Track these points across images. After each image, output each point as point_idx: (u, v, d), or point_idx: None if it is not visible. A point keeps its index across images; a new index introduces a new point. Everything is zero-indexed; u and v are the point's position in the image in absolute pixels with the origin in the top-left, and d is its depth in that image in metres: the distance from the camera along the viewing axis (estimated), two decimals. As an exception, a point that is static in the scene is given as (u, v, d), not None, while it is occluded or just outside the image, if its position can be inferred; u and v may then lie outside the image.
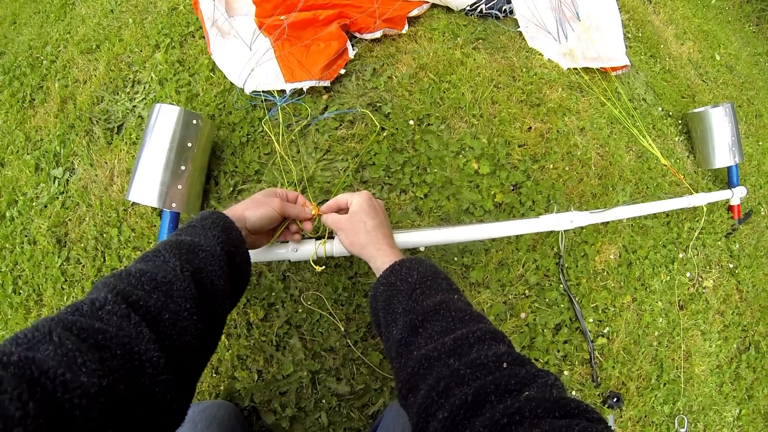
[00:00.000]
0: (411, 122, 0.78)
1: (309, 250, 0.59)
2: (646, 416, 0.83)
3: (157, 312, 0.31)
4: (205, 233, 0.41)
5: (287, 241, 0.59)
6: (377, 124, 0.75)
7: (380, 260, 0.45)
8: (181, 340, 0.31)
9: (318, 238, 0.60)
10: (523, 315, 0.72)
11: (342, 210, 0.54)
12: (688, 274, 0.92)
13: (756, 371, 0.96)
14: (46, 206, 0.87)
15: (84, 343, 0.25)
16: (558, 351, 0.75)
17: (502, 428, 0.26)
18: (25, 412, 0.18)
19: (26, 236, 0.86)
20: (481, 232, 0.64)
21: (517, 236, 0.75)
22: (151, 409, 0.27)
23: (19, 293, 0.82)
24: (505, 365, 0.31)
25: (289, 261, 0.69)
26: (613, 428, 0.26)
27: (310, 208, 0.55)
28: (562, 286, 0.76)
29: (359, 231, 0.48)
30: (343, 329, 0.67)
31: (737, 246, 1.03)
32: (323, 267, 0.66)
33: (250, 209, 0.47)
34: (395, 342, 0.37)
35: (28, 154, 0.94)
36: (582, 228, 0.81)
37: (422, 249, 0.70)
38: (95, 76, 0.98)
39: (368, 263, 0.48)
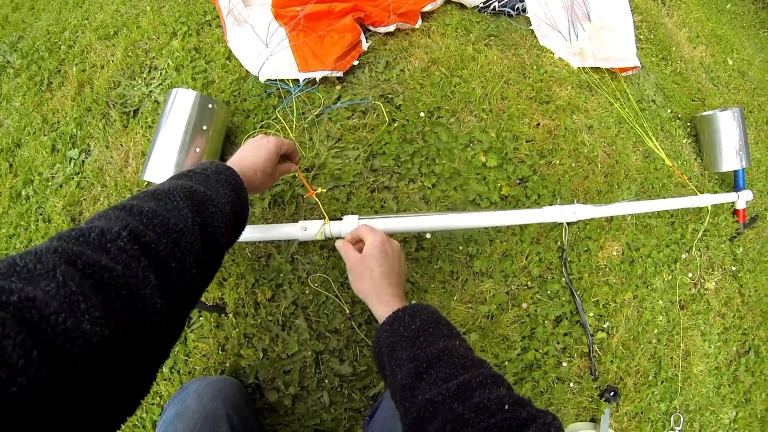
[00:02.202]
0: (422, 114, 0.81)
1: (318, 230, 0.62)
2: (642, 412, 0.85)
3: (165, 258, 0.30)
4: (217, 188, 0.41)
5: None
6: (387, 117, 0.79)
7: (381, 309, 0.47)
8: (182, 291, 0.31)
9: (333, 219, 0.64)
10: (524, 305, 0.75)
11: (359, 243, 0.55)
12: (690, 275, 0.94)
13: (754, 375, 0.98)
14: (61, 186, 0.91)
15: (88, 280, 0.24)
16: (558, 343, 0.78)
17: None
18: (28, 361, 0.17)
19: (41, 215, 0.90)
20: (486, 220, 0.67)
21: (521, 228, 0.78)
22: (146, 354, 0.27)
23: None
24: (507, 407, 0.33)
25: (298, 244, 0.72)
26: None
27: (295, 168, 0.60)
28: (564, 279, 0.79)
29: (365, 277, 0.50)
30: (348, 311, 0.71)
31: (741, 250, 1.05)
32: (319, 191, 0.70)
33: (266, 183, 0.51)
34: (400, 386, 0.39)
35: (44, 135, 0.98)
36: (586, 223, 0.84)
37: (428, 236, 0.73)
38: (112, 61, 1.01)
39: (371, 310, 0.50)
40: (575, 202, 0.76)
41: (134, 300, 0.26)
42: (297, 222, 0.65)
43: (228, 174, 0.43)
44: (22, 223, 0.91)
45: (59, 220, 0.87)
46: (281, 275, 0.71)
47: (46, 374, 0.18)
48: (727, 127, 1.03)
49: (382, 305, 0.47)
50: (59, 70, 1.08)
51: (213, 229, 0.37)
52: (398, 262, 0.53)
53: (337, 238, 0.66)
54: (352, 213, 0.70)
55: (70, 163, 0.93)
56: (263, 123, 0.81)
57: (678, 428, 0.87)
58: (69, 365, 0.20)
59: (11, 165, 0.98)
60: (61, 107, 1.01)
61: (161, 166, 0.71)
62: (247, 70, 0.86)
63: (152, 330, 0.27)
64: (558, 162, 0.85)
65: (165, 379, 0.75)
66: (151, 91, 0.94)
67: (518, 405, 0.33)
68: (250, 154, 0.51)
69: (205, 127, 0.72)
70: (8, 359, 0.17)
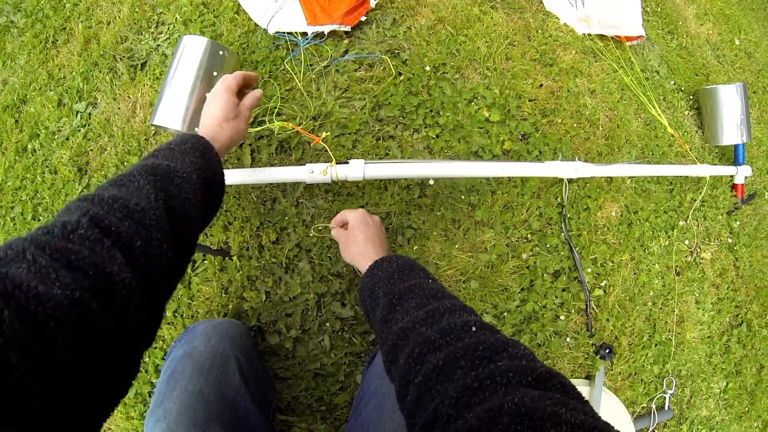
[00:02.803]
0: (427, 68, 0.84)
1: (324, 173, 0.65)
2: (635, 373, 0.89)
3: (128, 239, 0.31)
4: (182, 158, 0.42)
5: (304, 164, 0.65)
6: (394, 70, 0.81)
7: (365, 264, 0.52)
8: (151, 268, 0.32)
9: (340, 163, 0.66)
10: (524, 255, 0.78)
11: (345, 225, 0.63)
12: (686, 242, 0.98)
13: (746, 348, 1.01)
14: (68, 138, 0.93)
15: (57, 262, 0.25)
16: (556, 297, 0.81)
17: (474, 393, 0.27)
18: (0, 319, 0.19)
19: (47, 167, 0.92)
20: (489, 170, 0.70)
21: (522, 182, 0.81)
22: (124, 329, 0.28)
23: (39, 219, 0.87)
24: (474, 329, 0.34)
25: (303, 188, 0.75)
26: (587, 401, 0.26)
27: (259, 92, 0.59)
28: (563, 234, 0.82)
29: (351, 244, 0.57)
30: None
31: (738, 224, 1.08)
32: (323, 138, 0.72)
33: (239, 127, 0.52)
34: (378, 321, 0.42)
35: (50, 90, 1.00)
36: (586, 182, 0.87)
37: (432, 183, 0.76)
38: (119, 17, 1.03)
39: (360, 271, 0.54)
40: (576, 160, 0.78)
41: (103, 277, 0.27)
42: (304, 165, 0.68)
43: (193, 142, 0.44)
44: (28, 175, 0.92)
45: (66, 171, 0.89)
46: (286, 218, 0.74)
47: (21, 335, 0.19)
48: (730, 100, 1.06)
49: (367, 260, 0.52)
50: (65, 28, 1.09)
51: (181, 201, 0.38)
52: (380, 231, 0.60)
53: (343, 181, 0.69)
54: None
55: (76, 116, 0.95)
56: (272, 74, 0.83)
57: (670, 392, 0.91)
58: (43, 326, 0.21)
59: (17, 121, 1.00)
60: (67, 63, 1.03)
61: (171, 110, 0.72)
62: (255, 24, 0.89)
63: (126, 305, 0.28)
64: (560, 121, 0.88)
65: (168, 323, 0.77)
66: (158, 45, 0.96)
67: (486, 329, 0.34)
68: (207, 111, 0.52)
69: (215, 74, 0.75)
70: None
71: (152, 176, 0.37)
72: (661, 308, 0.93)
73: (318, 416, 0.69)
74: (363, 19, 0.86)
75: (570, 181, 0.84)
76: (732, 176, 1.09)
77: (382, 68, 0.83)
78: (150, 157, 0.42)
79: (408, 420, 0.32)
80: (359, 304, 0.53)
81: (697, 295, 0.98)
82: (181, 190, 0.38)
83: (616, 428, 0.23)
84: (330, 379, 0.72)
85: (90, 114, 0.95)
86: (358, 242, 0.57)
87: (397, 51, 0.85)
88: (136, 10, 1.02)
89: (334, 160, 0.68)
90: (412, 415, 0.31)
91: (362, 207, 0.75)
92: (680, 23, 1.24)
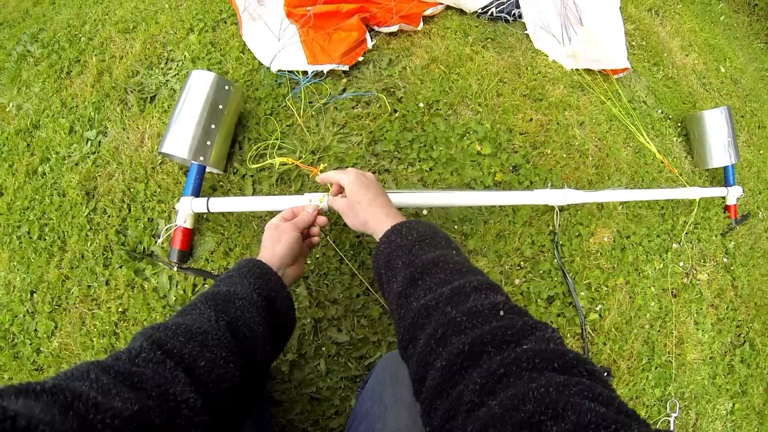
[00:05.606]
0: (421, 105, 0.93)
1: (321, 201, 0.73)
2: (637, 396, 0.93)
3: (192, 360, 0.34)
4: (241, 281, 0.45)
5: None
6: (389, 107, 0.91)
7: (381, 228, 0.50)
8: (217, 387, 0.34)
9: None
10: (517, 281, 0.85)
11: (342, 192, 0.63)
12: (681, 264, 1.04)
13: (750, 367, 1.05)
14: (77, 164, 1.00)
15: (120, 382, 0.28)
16: (551, 322, 0.87)
17: (499, 379, 0.27)
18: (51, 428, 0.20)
19: (56, 189, 0.98)
20: (480, 199, 0.78)
21: (514, 211, 0.88)
22: None
23: (45, 239, 0.92)
24: (501, 313, 0.33)
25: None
26: (613, 388, 0.26)
27: (317, 201, 0.63)
28: (556, 261, 0.89)
29: (358, 212, 0.55)
30: (349, 262, 0.80)
31: (733, 244, 1.14)
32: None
33: (275, 246, 0.53)
34: (395, 294, 0.41)
35: (63, 117, 1.09)
36: (577, 210, 0.94)
37: (425, 213, 0.83)
38: (131, 53, 1.14)
39: (374, 236, 0.53)
40: (565, 187, 0.86)
41: (165, 398, 0.30)
42: (303, 194, 0.76)
43: (250, 265, 0.48)
44: (37, 197, 0.97)
45: (74, 194, 0.94)
46: (287, 248, 0.81)
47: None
48: (716, 124, 1.15)
49: (382, 225, 0.50)
50: (79, 60, 1.20)
51: (245, 321, 0.41)
52: (379, 189, 0.58)
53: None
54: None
55: (87, 143, 1.02)
56: (274, 110, 0.93)
57: (674, 415, 0.93)
58: None
59: (29, 144, 1.08)
60: (80, 93, 1.12)
61: (179, 139, 0.79)
62: (259, 62, 0.99)
63: (189, 423, 0.30)
64: (550, 152, 0.97)
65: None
66: (168, 80, 1.07)
67: (514, 313, 0.33)
68: (268, 244, 0.55)
69: (221, 107, 0.84)
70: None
71: (212, 301, 0.41)
72: (659, 330, 0.98)
73: (315, 443, 0.73)
74: (360, 59, 0.97)
75: (561, 209, 0.91)
76: (724, 198, 1.17)
77: (378, 105, 0.92)
78: (211, 287, 0.46)
79: (426, 405, 0.32)
80: (373, 272, 0.49)
81: (695, 316, 1.03)
82: (243, 311, 0.42)
83: (641, 418, 0.23)
84: (325, 404, 0.76)
85: (100, 142, 1.03)
86: (364, 207, 0.54)
87: (392, 89, 0.95)
88: (148, 46, 1.13)
89: (330, 190, 0.76)
90: (432, 400, 0.32)
91: (358, 237, 0.82)
92: (665, 55, 1.35)
